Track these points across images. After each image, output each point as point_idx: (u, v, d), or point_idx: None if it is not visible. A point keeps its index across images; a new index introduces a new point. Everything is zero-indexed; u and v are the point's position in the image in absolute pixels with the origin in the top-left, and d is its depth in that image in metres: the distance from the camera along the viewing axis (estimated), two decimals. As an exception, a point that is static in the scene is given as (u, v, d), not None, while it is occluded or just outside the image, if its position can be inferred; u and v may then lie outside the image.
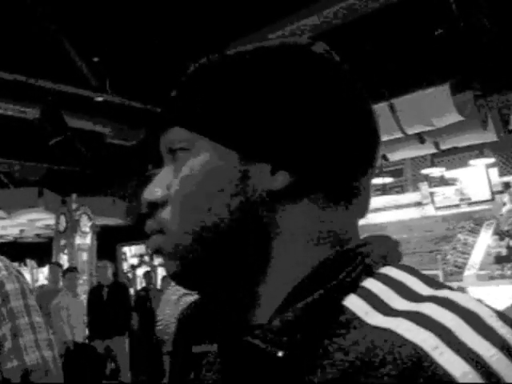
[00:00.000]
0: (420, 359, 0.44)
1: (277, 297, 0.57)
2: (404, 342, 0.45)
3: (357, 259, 0.56)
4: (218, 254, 0.59)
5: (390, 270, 0.55)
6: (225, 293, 0.62)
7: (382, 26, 5.38)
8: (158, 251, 0.62)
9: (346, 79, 0.62)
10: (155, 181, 0.64)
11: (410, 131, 6.16)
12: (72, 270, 7.79)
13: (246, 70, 0.60)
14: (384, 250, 0.58)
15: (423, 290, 0.51)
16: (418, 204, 7.61)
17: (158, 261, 11.01)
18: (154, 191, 0.62)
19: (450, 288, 0.51)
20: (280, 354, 0.51)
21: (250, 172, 0.58)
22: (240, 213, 0.58)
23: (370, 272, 0.55)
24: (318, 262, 0.57)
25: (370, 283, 0.53)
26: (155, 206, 0.62)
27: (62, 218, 9.94)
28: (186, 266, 0.60)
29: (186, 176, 0.60)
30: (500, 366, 0.42)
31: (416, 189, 7.81)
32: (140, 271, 11.67)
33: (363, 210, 0.64)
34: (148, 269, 10.83)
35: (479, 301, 0.49)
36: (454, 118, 5.84)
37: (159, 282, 9.66)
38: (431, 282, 0.53)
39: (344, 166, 0.59)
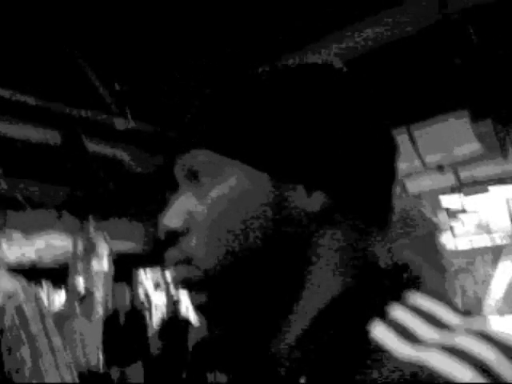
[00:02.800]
0: None
1: (304, 323, 0.55)
2: (436, 376, 0.43)
3: (383, 286, 0.54)
4: (251, 280, 0.56)
5: (417, 297, 0.53)
6: (252, 321, 0.59)
7: (401, 55, 5.39)
8: (185, 283, 0.59)
9: (370, 101, 0.61)
10: (173, 206, 0.61)
11: (430, 160, 6.12)
12: (88, 295, 7.79)
13: (277, 92, 0.58)
14: (410, 276, 0.56)
15: (453, 319, 0.49)
16: (437, 234, 7.51)
17: (174, 288, 10.98)
18: (174, 217, 0.60)
19: (481, 317, 0.49)
20: (302, 381, 0.50)
21: (285, 194, 0.56)
22: (275, 237, 0.55)
23: (397, 299, 0.53)
24: (346, 287, 0.55)
25: (397, 311, 0.51)
26: (176, 234, 0.59)
27: (80, 243, 9.97)
28: (215, 296, 0.58)
29: (215, 201, 0.57)
30: None
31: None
32: (156, 297, 11.62)
33: (387, 232, 0.62)
34: (173, 296, 10.71)
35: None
36: (474, 147, 5.79)
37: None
38: (461, 310, 0.51)
39: (375, 185, 0.58)
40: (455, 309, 0.51)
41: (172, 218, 0.60)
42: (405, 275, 0.56)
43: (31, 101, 6.01)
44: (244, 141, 0.57)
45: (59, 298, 11.75)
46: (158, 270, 11.90)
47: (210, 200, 0.57)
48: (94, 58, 5.78)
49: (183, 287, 0.60)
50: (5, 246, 10.39)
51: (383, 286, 0.54)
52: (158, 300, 11.83)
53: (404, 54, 5.37)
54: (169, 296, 10.76)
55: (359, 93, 0.60)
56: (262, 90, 0.59)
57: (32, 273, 11.77)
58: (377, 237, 0.59)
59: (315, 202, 0.55)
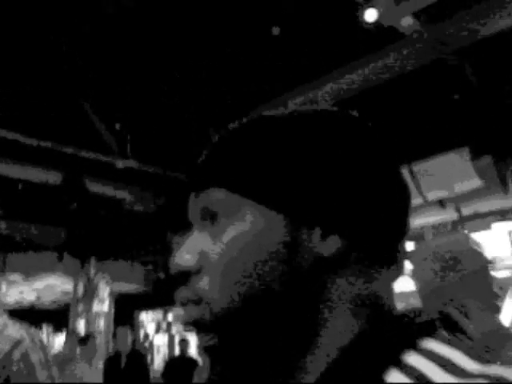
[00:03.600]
0: None
1: (315, 368, 0.53)
2: None
3: (397, 331, 0.53)
4: (264, 323, 0.55)
5: (432, 343, 0.51)
6: (262, 365, 0.57)
7: (400, 92, 5.44)
8: (194, 324, 0.57)
9: (383, 144, 0.61)
10: (186, 245, 0.60)
11: (431, 197, 6.12)
12: (89, 337, 7.68)
13: (294, 134, 0.58)
14: (424, 321, 0.55)
15: (471, 365, 0.47)
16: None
17: (175, 329, 10.87)
18: (186, 257, 0.58)
19: (500, 362, 0.47)
20: None
21: (300, 237, 0.55)
22: (289, 279, 0.54)
23: (412, 345, 0.51)
24: (359, 331, 0.54)
25: (412, 358, 0.50)
26: (188, 273, 0.58)
27: (80, 284, 9.91)
28: (226, 338, 0.56)
29: (230, 241, 0.56)
30: None
31: (438, 255, 7.68)
32: (157, 339, 11.49)
33: (399, 274, 0.61)
34: (174, 337, 10.56)
35: None
36: (475, 182, 5.80)
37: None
38: (478, 355, 0.49)
39: (389, 227, 0.58)
40: (473, 355, 0.49)
41: (184, 256, 0.59)
42: (419, 320, 0.54)
43: (32, 142, 6.05)
44: (261, 182, 0.56)
45: (59, 341, 11.61)
46: (159, 311, 11.80)
47: (225, 240, 0.56)
48: (95, 98, 5.84)
49: (192, 328, 0.58)
50: (4, 287, 10.32)
51: (397, 332, 0.53)
52: (160, 341, 11.69)
53: (404, 91, 5.42)
54: (170, 337, 10.64)
55: (373, 137, 0.61)
56: (279, 132, 0.59)
57: (31, 315, 11.69)
58: (388, 279, 0.59)
59: (331, 245, 0.54)
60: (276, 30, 5.01)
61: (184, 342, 9.53)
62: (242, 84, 5.65)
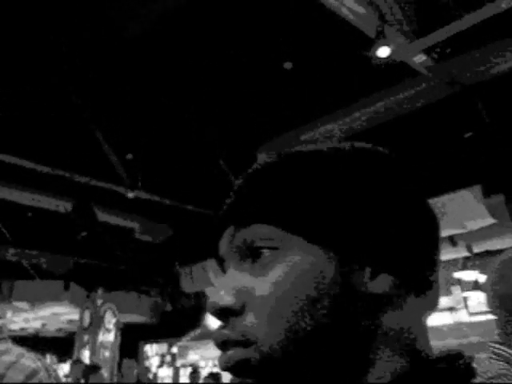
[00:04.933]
0: None
1: None
2: None
3: (438, 376, 0.51)
4: (313, 362, 0.53)
5: None
6: None
7: (412, 128, 5.44)
8: (237, 366, 0.54)
9: (416, 177, 0.62)
10: (223, 283, 0.57)
11: (442, 234, 6.07)
12: (95, 368, 7.57)
13: (341, 171, 0.57)
14: (462, 366, 0.53)
15: None
16: (451, 309, 7.39)
17: (180, 362, 10.74)
18: (225, 295, 0.55)
19: None
20: None
21: (351, 276, 0.53)
22: (341, 318, 0.53)
23: None
24: (401, 372, 0.52)
25: None
26: (228, 312, 0.55)
27: (87, 314, 9.86)
28: (275, 379, 0.53)
29: (278, 278, 0.53)
30: None
31: (448, 293, 7.60)
32: (162, 371, 11.37)
33: (434, 305, 0.60)
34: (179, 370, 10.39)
35: None
36: (486, 220, 5.77)
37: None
38: None
39: (426, 261, 0.57)
40: None
41: (224, 294, 0.55)
42: (459, 363, 0.53)
43: (43, 169, 6.09)
44: (310, 219, 0.55)
45: (63, 370, 11.50)
46: (164, 343, 11.70)
47: (272, 277, 0.54)
48: (108, 128, 5.88)
49: (234, 371, 0.55)
50: (10, 314, 10.29)
51: (435, 375, 0.51)
52: (164, 374, 11.56)
53: (416, 128, 5.43)
54: (175, 370, 10.52)
55: (408, 172, 0.61)
56: (326, 169, 0.58)
57: (36, 342, 11.62)
58: (424, 314, 0.57)
59: (380, 284, 0.53)
60: (288, 65, 5.05)
61: (195, 374, 9.33)
62: (253, 118, 5.68)
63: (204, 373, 8.79)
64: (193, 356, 10.42)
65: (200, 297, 9.53)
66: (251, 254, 0.56)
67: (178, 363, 10.79)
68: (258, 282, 0.54)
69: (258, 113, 5.63)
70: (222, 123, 5.80)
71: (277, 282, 0.53)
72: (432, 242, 0.58)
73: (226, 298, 0.55)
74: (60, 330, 12.41)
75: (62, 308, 10.11)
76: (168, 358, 11.66)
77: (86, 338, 9.81)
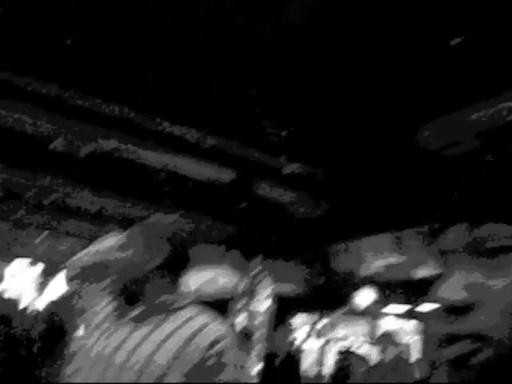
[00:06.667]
0: None
1: None
2: None
3: None
4: None
5: None
6: None
7: None
8: (461, 359, 0.54)
9: None
10: (455, 277, 0.56)
11: None
12: (247, 334, 7.78)
13: None
14: None
15: None
16: None
17: (328, 336, 10.76)
18: (455, 290, 0.55)
19: None
20: None
21: None
22: None
23: None
24: None
25: None
26: (458, 308, 0.55)
27: (244, 280, 10.16)
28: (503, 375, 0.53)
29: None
30: None
31: None
32: (307, 344, 11.42)
33: None
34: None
35: None
36: None
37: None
38: None
39: None
40: None
41: (453, 290, 0.55)
42: None
43: (209, 140, 6.37)
44: None
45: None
46: (314, 315, 11.76)
47: (505, 274, 0.53)
48: (270, 103, 5.97)
49: (461, 363, 0.55)
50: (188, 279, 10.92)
51: None
52: (311, 346, 11.65)
53: None
54: (323, 343, 10.57)
55: None
56: None
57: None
58: None
59: None
60: (455, 41, 4.76)
61: (345, 355, 8.84)
62: (416, 96, 5.45)
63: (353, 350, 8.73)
64: (341, 331, 10.42)
65: (351, 274, 9.46)
66: (486, 252, 0.55)
67: (326, 337, 10.83)
68: (494, 279, 0.53)
69: (421, 92, 5.39)
70: (383, 102, 5.65)
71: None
72: None
73: (455, 294, 0.55)
74: (215, 294, 12.92)
75: (220, 273, 10.52)
76: (316, 331, 11.73)
77: (240, 304, 10.14)
